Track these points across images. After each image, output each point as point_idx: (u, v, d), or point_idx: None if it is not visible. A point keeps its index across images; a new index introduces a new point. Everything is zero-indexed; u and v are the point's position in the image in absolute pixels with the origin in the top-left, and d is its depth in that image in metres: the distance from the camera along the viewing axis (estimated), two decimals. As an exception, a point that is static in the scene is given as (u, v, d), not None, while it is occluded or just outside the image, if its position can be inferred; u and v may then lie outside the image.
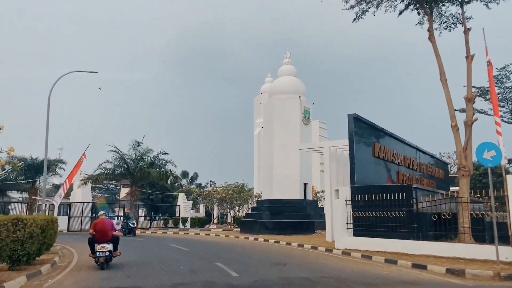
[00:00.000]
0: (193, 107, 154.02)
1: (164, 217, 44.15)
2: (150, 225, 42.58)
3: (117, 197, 70.98)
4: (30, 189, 40.80)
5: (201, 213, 51.13)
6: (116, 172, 34.13)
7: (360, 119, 17.92)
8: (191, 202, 49.46)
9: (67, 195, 43.57)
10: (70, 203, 36.73)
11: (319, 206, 30.27)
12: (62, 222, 36.93)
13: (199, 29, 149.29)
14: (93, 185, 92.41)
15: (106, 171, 33.66)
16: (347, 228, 16.62)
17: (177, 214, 45.77)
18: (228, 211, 49.16)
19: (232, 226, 45.46)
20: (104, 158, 33.56)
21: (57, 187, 42.29)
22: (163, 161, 35.80)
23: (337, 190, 17.04)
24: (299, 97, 28.08)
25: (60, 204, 38.13)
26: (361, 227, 16.31)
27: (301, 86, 28.86)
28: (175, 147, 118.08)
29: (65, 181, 22.95)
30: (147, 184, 56.32)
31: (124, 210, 26.47)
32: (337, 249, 16.24)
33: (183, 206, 46.40)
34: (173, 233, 31.34)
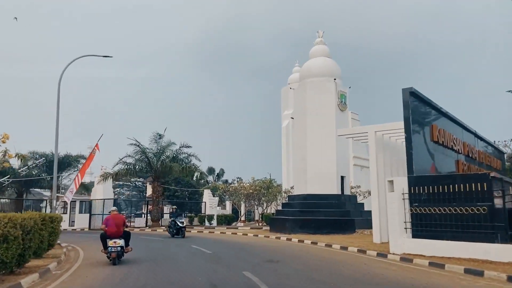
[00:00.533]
0: (218, 103, 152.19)
1: (189, 214, 41.74)
2: (175, 222, 40.23)
3: (144, 194, 69.46)
4: (50, 185, 39.20)
5: (228, 210, 48.47)
6: (137, 167, 31.81)
7: (418, 94, 14.56)
8: (217, 198, 46.87)
9: (87, 191, 41.83)
10: (91, 200, 34.77)
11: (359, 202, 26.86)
12: (83, 220, 35.06)
13: (222, 25, 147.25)
14: (117, 182, 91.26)
15: (126, 166, 31.38)
16: (405, 228, 13.33)
17: (203, 211, 43.30)
18: (256, 208, 46.37)
19: (260, 224, 42.59)
20: (124, 153, 31.28)
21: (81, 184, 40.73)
22: (186, 155, 33.28)
23: (391, 181, 13.75)
24: (334, 79, 24.78)
25: (81, 201, 36.28)
26: (422, 227, 13.00)
27: (336, 68, 25.54)
28: (200, 143, 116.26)
29: (77, 176, 20.64)
30: (172, 181, 54.28)
31: (171, 207, 23.53)
32: (394, 254, 13.00)
33: (209, 203, 43.86)
34: (197, 231, 28.71)
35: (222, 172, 77.55)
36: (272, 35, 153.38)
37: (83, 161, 39.29)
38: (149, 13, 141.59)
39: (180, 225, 22.50)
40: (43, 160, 37.51)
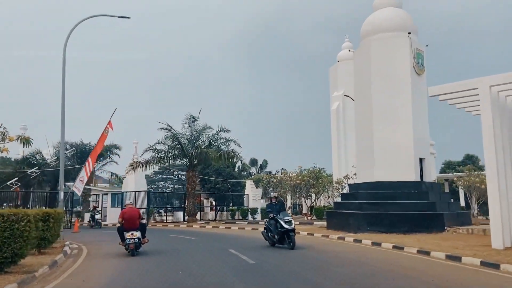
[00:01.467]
0: (261, 93, 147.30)
1: (231, 207, 37.23)
2: (215, 217, 35.85)
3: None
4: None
5: (273, 203, 43.51)
6: (170, 155, 27.52)
7: None
8: (260, 190, 42.01)
9: (117, 182, 38.35)
10: (123, 193, 31.02)
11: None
12: (116, 214, 31.40)
13: (264, 14, 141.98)
14: (160, 175, 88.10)
15: (157, 154, 27.15)
16: None
17: (245, 204, 38.67)
18: (304, 201, 41.11)
19: (309, 218, 37.34)
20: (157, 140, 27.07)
21: (115, 176, 37.30)
22: (224, 141, 28.57)
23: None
24: (409, 34, 18.91)
25: (113, 194, 32.66)
26: None
27: (409, 20, 19.63)
28: (242, 134, 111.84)
29: (87, 161, 16.39)
30: (212, 172, 50.16)
31: (270, 197, 15.82)
32: None
33: (252, 195, 39.10)
34: (239, 228, 23.94)
35: (265, 164, 72.71)
36: (316, 23, 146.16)
37: (116, 151, 35.74)
38: (194, 2, 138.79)
39: (287, 226, 12.65)
40: (73, 150, 34.30)
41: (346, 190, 36.51)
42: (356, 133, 20.39)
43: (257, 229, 22.60)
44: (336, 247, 13.79)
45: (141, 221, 12.43)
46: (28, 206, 27.55)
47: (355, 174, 25.18)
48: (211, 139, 28.40)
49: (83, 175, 15.90)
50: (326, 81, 44.76)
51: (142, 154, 26.67)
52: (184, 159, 28.09)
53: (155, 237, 18.99)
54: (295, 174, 38.83)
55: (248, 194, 39.29)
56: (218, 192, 40.25)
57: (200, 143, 27.57)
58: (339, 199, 36.47)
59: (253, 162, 70.28)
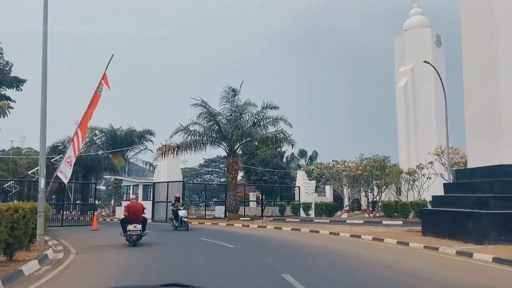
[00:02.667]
0: (309, 83, 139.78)
1: (280, 202, 31.44)
2: (262, 212, 30.19)
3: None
4: (115, 167, 31.72)
5: (328, 197, 37.07)
6: (205, 137, 22.12)
7: None
8: (313, 183, 35.83)
9: (152, 172, 33.68)
10: (154, 184, 26.16)
11: None
12: (147, 209, 26.71)
13: (314, 7, 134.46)
14: (206, 168, 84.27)
15: (190, 137, 21.84)
16: None
17: (296, 198, 32.74)
18: (365, 194, 34.39)
19: (372, 215, 30.76)
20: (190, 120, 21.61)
21: (150, 166, 32.78)
22: (271, 120, 22.68)
23: None
24: None
25: (145, 185, 27.94)
26: None
27: None
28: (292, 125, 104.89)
29: (76, 133, 11.10)
30: (258, 163, 44.55)
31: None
32: None
33: (304, 188, 33.04)
34: (292, 229, 18.01)
35: (315, 155, 66.09)
36: (366, 15, 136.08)
37: (150, 137, 31.08)
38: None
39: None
40: (103, 135, 30.04)
41: (420, 183, 29.60)
42: (465, 98, 13.65)
43: (318, 232, 16.51)
44: (480, 276, 7.44)
45: (143, 215, 12.91)
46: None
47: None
48: (255, 118, 22.66)
49: (71, 155, 10.76)
50: (392, 51, 37.32)
51: (172, 136, 21.50)
52: (223, 143, 22.58)
53: (178, 243, 13.57)
54: (354, 164, 32.21)
55: (299, 187, 33.28)
56: (265, 185, 34.44)
57: (242, 122, 21.90)
58: (410, 194, 29.64)
59: (302, 153, 63.82)
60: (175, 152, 22.12)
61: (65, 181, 11.49)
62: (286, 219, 28.96)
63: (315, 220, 27.07)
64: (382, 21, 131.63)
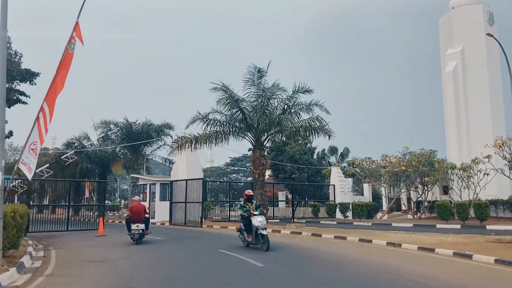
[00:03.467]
0: (340, 79, 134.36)
1: (313, 202, 27.71)
2: (293, 214, 26.60)
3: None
4: (131, 163, 28.92)
5: (366, 196, 32.97)
6: (227, 128, 18.74)
7: None
8: (350, 180, 31.90)
9: (165, 168, 30.62)
10: (171, 182, 23.04)
11: None
12: (165, 210, 23.70)
13: (337, 11, 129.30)
14: (233, 167, 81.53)
15: (210, 127, 18.51)
16: None
17: (331, 198, 28.94)
18: (407, 193, 30.13)
19: (416, 216, 26.63)
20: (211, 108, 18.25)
21: (168, 162, 29.74)
22: (304, 106, 19.03)
23: None
24: None
25: (163, 184, 24.91)
26: None
27: None
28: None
29: (41, 108, 7.86)
30: (287, 160, 40.93)
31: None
32: None
33: (339, 186, 29.19)
34: (334, 236, 14.26)
35: (346, 152, 61.72)
36: (393, 12, 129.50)
37: (169, 131, 28.04)
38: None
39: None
40: (118, 129, 27.26)
41: (476, 179, 25.18)
42: None
43: (370, 241, 12.72)
44: None
45: (146, 215, 13.45)
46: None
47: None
48: (284, 104, 19.07)
49: (36, 140, 7.51)
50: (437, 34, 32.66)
51: (188, 126, 18.22)
52: (248, 134, 19.12)
53: (190, 256, 10.23)
54: (396, 158, 28.03)
55: (334, 185, 29.44)
56: (296, 183, 30.80)
57: (270, 109, 18.35)
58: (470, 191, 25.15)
59: (333, 150, 59.58)
60: (192, 145, 18.84)
61: (29, 176, 8.30)
62: (321, 222, 25.25)
63: (354, 223, 23.24)
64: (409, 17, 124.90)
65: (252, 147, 19.29)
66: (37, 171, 24.61)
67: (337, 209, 26.21)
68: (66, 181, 20.02)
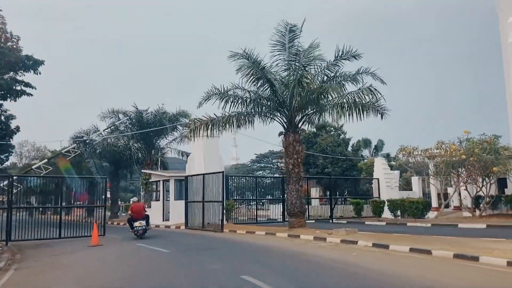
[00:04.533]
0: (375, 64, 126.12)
1: (354, 199, 23.02)
2: (331, 214, 22.09)
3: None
4: (145, 157, 25.14)
5: (416, 191, 27.89)
6: (252, 105, 14.43)
7: None
8: (396, 173, 27.02)
9: (178, 163, 26.68)
10: (186, 177, 18.95)
11: None
12: (180, 211, 19.71)
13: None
14: (259, 163, 77.72)
15: (230, 105, 14.25)
16: None
17: (375, 194, 24.21)
18: (464, 187, 24.97)
19: (476, 214, 21.66)
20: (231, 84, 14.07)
21: (185, 157, 25.65)
22: (350, 76, 14.44)
23: None
24: None
25: (178, 180, 20.91)
26: None
27: None
28: None
29: None
30: (318, 152, 36.28)
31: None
32: None
33: (385, 180, 24.40)
34: (411, 250, 9.68)
35: (381, 144, 56.32)
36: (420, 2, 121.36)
37: (185, 120, 24.02)
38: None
39: None
40: (127, 119, 23.49)
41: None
42: None
43: (477, 259, 7.96)
44: None
45: (146, 213, 14.78)
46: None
47: None
48: (324, 74, 14.56)
49: None
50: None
51: (201, 104, 13.99)
52: (279, 114, 14.75)
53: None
54: (454, 146, 22.97)
55: (378, 179, 24.67)
56: (335, 177, 26.18)
57: (307, 80, 13.86)
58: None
59: (366, 142, 54.27)
60: (208, 130, 14.65)
61: None
62: (366, 222, 20.64)
63: (408, 224, 18.62)
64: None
65: (283, 131, 14.89)
66: (33, 167, 21.20)
67: (386, 207, 21.48)
68: (56, 178, 16.28)
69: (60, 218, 15.45)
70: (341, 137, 39.00)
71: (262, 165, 71.45)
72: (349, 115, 14.73)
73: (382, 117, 15.03)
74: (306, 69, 13.99)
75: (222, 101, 14.11)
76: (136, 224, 14.03)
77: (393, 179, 24.91)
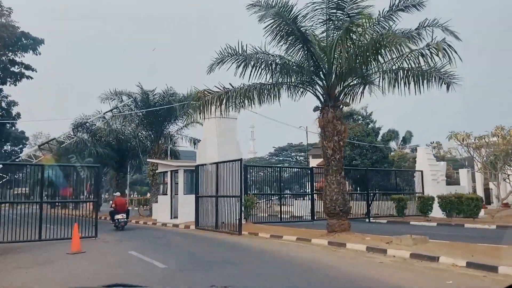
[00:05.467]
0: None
1: (394, 195, 19.18)
2: (368, 212, 18.40)
3: (308, 172, 48.99)
4: (152, 146, 21.87)
5: (464, 185, 23.76)
6: (274, 74, 10.82)
7: None
8: (443, 164, 23.05)
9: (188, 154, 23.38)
10: (197, 167, 15.51)
11: None
12: (190, 207, 16.38)
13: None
14: (277, 156, 74.61)
15: (250, 72, 10.66)
16: None
17: (417, 189, 20.36)
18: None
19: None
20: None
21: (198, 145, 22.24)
22: (408, 33, 10.61)
23: None
24: None
25: (188, 171, 17.51)
26: None
27: None
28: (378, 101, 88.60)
29: None
30: (346, 144, 32.40)
31: None
32: None
33: (430, 173, 20.47)
34: None
35: (409, 136, 52.04)
36: None
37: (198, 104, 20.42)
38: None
39: None
40: (131, 100, 20.24)
41: None
42: None
43: None
44: None
45: (127, 207, 16.11)
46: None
47: None
48: (374, 31, 10.80)
49: None
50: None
51: (211, 69, 10.52)
52: (313, 85, 11.11)
53: None
54: (515, 132, 18.98)
55: (422, 171, 20.75)
56: (374, 168, 22.40)
57: (356, 36, 10.13)
58: None
59: (392, 134, 49.97)
60: (222, 104, 11.16)
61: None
62: (411, 222, 16.95)
63: (466, 226, 14.91)
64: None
65: (319, 105, 11.23)
66: (22, 156, 18.19)
67: (436, 204, 17.60)
68: (35, 166, 13.11)
69: (41, 216, 12.29)
70: (369, 126, 35.04)
71: (281, 158, 67.98)
72: (404, 84, 11.00)
73: (448, 88, 11.24)
74: (353, 19, 10.24)
75: (240, 65, 10.54)
76: (118, 216, 14.95)
77: (439, 171, 20.96)
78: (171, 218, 17.61)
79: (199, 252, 9.70)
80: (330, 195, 10.73)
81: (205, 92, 11.26)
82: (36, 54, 24.94)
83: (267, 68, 10.81)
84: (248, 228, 13.53)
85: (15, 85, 26.22)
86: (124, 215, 15.07)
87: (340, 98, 11.22)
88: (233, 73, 10.99)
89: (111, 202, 18.73)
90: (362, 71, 10.79)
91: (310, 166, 25.00)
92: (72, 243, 10.13)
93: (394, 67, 11.00)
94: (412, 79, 10.93)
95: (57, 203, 13.84)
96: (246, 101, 11.51)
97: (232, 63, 10.58)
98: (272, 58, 11.15)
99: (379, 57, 10.41)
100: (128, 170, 44.33)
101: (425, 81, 11.01)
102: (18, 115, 27.46)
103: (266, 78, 11.22)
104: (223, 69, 11.09)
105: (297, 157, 68.31)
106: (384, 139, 37.78)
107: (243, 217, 13.73)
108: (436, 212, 17.84)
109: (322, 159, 35.66)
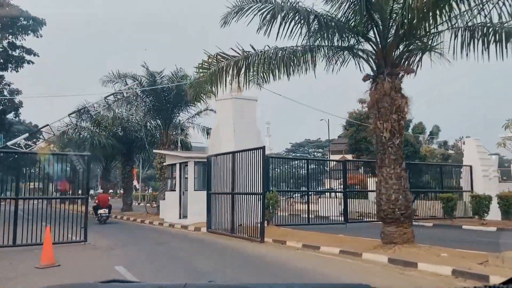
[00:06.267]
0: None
1: (443, 193, 16.05)
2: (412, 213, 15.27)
3: (326, 169, 45.68)
4: (160, 136, 19.24)
5: (519, 184, 20.39)
6: (311, 34, 7.91)
7: None
8: (495, 158, 19.75)
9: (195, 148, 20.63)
10: (209, 159, 12.75)
11: None
12: (202, 205, 13.71)
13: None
14: (293, 151, 72.05)
15: (280, 26, 7.76)
16: None
17: (465, 186, 17.20)
18: None
19: None
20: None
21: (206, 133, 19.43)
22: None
23: None
24: None
25: (199, 163, 14.77)
26: None
27: None
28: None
29: None
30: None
31: None
32: None
33: (481, 168, 17.22)
34: None
35: (436, 131, 48.29)
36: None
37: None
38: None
39: None
40: (137, 83, 17.62)
41: None
42: None
43: None
44: None
45: (109, 203, 16.71)
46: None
47: None
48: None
49: None
50: None
51: (227, 23, 7.76)
52: (366, 40, 8.22)
53: None
54: None
55: (471, 166, 17.52)
56: (413, 162, 19.23)
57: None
58: None
59: (418, 128, 46.27)
60: (240, 75, 8.37)
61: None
62: (464, 227, 13.90)
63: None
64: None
65: (372, 74, 8.32)
66: (9, 143, 15.80)
67: (494, 205, 14.44)
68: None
69: (16, 215, 9.77)
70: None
71: (298, 154, 65.11)
72: (483, 45, 7.99)
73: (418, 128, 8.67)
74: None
75: (266, 17, 7.68)
76: (101, 211, 15.78)
77: (491, 166, 17.72)
78: (180, 218, 14.95)
79: (209, 270, 6.96)
80: (387, 194, 7.83)
81: (219, 56, 8.46)
82: (37, 37, 22.68)
83: (302, 23, 7.93)
84: (271, 232, 10.74)
85: (17, 71, 24.07)
86: (106, 210, 15.98)
87: (403, 63, 8.26)
88: (252, 38, 8.18)
89: (95, 198, 19.22)
90: (429, 26, 7.81)
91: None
92: (42, 253, 7.53)
93: (471, 24, 8.03)
94: (493, 38, 7.93)
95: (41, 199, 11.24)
96: (270, 72, 8.68)
97: (255, 14, 7.73)
98: (306, 14, 8.26)
99: (455, 3, 7.43)
100: (141, 164, 42.21)
101: (508, 43, 7.97)
102: (21, 103, 25.36)
103: (297, 40, 8.37)
104: (238, 34, 8.30)
105: (315, 153, 65.44)
106: (415, 132, 34.45)
107: (266, 219, 10.95)
108: (493, 214, 14.72)
109: (341, 155, 32.46)
